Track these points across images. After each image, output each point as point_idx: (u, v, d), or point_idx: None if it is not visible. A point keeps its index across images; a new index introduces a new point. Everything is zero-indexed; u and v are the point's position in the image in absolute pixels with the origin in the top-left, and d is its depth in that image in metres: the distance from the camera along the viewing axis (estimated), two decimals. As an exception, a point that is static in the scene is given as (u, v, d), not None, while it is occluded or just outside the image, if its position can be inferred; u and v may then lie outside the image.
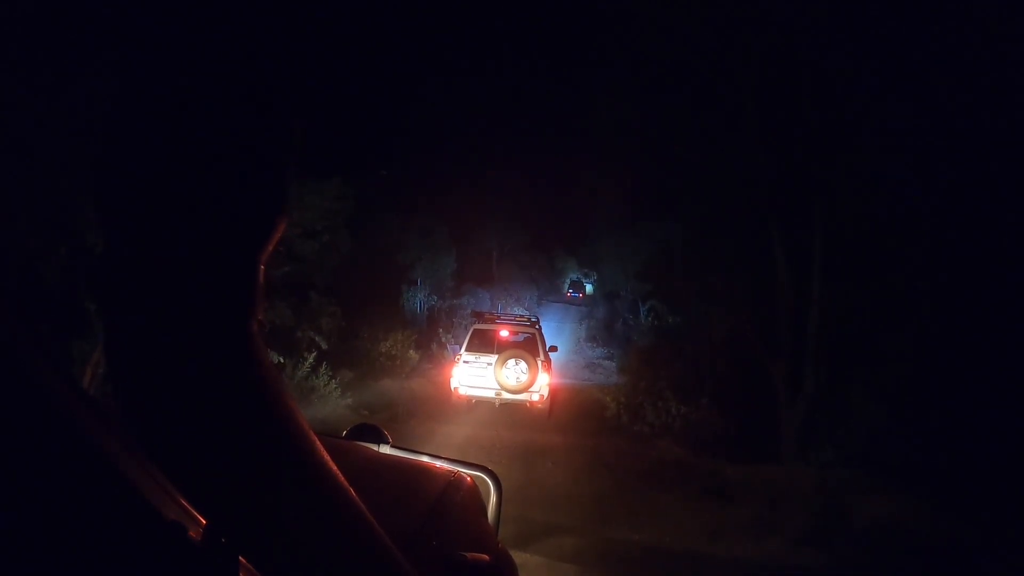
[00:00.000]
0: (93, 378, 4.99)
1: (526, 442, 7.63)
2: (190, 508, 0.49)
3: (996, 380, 6.28)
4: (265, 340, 0.47)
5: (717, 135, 8.65)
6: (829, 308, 7.79)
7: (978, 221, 6.81)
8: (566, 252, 27.40)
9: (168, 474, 0.46)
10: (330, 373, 8.63)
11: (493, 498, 1.28)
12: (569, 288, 29.60)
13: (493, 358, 8.55)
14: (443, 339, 14.00)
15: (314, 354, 8.52)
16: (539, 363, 8.50)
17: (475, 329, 9.37)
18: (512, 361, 8.45)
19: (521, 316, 12.91)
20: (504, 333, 9.24)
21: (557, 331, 17.42)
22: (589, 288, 28.52)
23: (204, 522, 0.48)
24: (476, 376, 8.65)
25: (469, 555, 0.82)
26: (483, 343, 9.01)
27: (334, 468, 0.50)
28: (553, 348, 9.88)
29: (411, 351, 12.01)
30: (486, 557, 0.83)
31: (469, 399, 8.79)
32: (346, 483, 0.51)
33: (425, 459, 1.31)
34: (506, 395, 8.45)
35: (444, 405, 9.08)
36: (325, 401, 8.36)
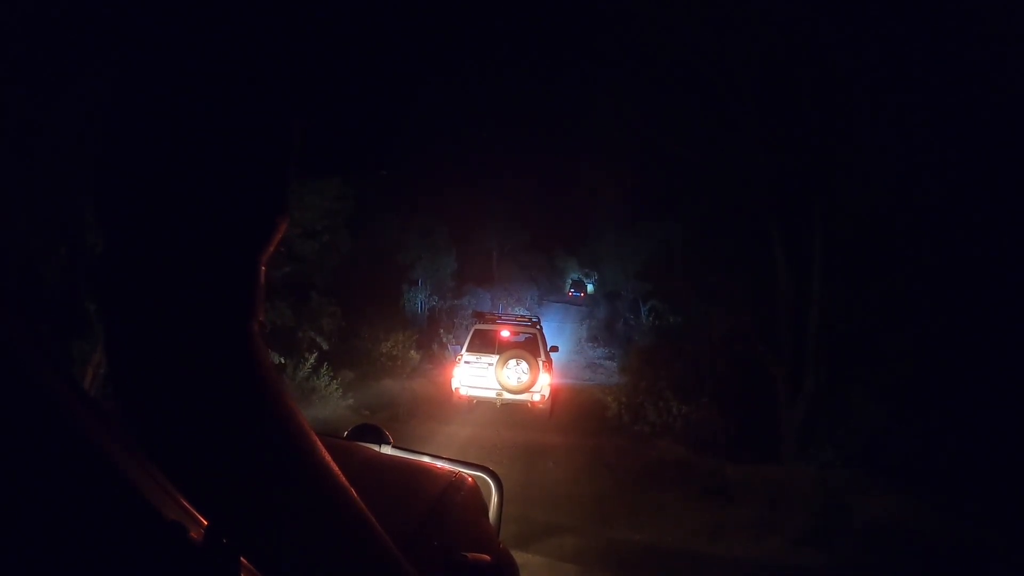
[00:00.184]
0: (94, 379, 4.99)
1: (527, 442, 7.64)
2: (191, 508, 0.49)
3: (996, 380, 6.27)
4: (265, 340, 0.47)
5: (717, 135, 8.64)
6: (829, 308, 7.78)
7: (978, 221, 6.80)
8: (566, 252, 27.41)
9: (168, 474, 0.46)
10: (331, 374, 8.62)
11: (494, 498, 1.27)
12: (571, 287, 29.69)
13: (494, 358, 8.55)
14: (444, 339, 14.00)
15: (315, 354, 8.51)
16: (540, 363, 8.49)
17: (476, 329, 9.37)
18: (513, 361, 8.45)
19: (522, 316, 12.91)
20: (505, 333, 9.24)
21: (558, 331, 17.42)
22: (590, 288, 28.58)
23: (205, 522, 0.48)
24: (477, 376, 8.64)
25: (470, 555, 0.82)
26: (484, 343, 9.00)
27: (335, 468, 0.50)
28: (554, 348, 9.87)
29: (412, 351, 12.01)
30: (487, 557, 0.83)
31: (470, 399, 8.79)
32: (347, 483, 0.51)
33: (426, 459, 1.30)
34: (507, 395, 8.44)
35: (445, 405, 9.08)
36: (326, 402, 8.36)
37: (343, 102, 0.53)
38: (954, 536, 5.03)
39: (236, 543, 0.47)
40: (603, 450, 7.60)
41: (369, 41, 0.52)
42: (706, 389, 9.20)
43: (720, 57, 8.04)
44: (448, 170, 17.47)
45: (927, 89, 6.75)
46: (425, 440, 7.08)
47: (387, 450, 1.29)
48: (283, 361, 8.00)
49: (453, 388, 8.80)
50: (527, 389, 8.41)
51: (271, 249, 0.46)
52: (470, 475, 1.23)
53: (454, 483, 1.14)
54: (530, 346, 8.92)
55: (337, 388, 8.63)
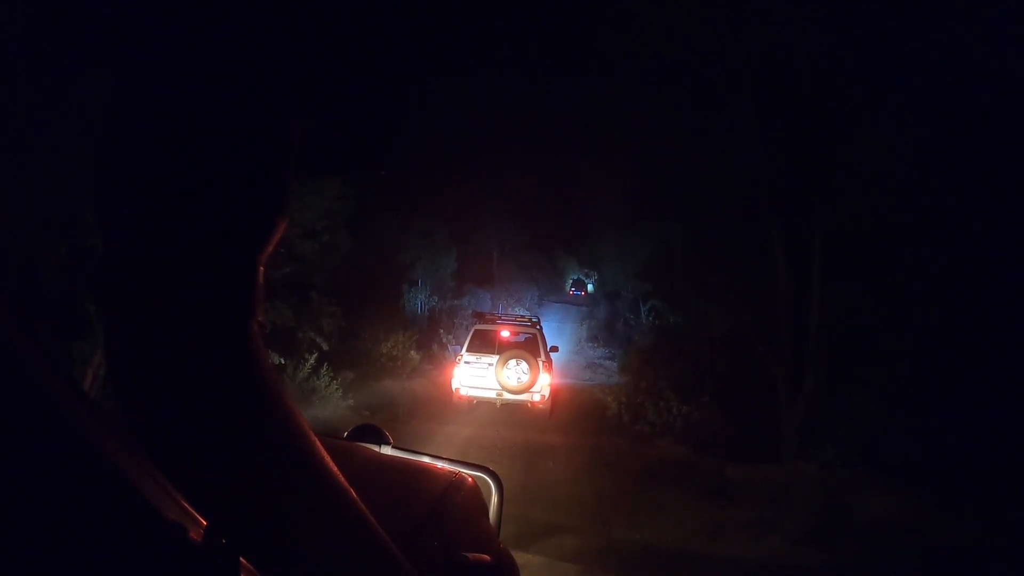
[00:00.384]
0: (94, 379, 5.00)
1: (527, 442, 7.64)
2: (190, 509, 0.49)
3: (996, 380, 6.28)
4: (265, 341, 0.47)
5: (717, 135, 8.64)
6: (829, 308, 7.79)
7: (978, 221, 6.81)
8: (566, 252, 27.43)
9: (168, 474, 0.46)
10: (331, 374, 8.62)
11: (494, 498, 1.27)
12: (572, 287, 29.75)
13: (494, 358, 8.55)
14: (444, 339, 14.00)
15: (315, 355, 8.51)
16: (540, 363, 8.50)
17: (476, 329, 9.37)
18: (513, 361, 8.45)
19: (522, 316, 12.91)
20: (505, 333, 9.24)
21: (558, 331, 17.42)
22: (590, 287, 28.65)
23: (204, 523, 0.48)
24: (477, 376, 8.65)
25: (470, 555, 0.82)
26: (484, 343, 9.00)
27: (334, 468, 0.50)
28: (554, 348, 9.87)
29: (412, 352, 12.01)
30: (487, 557, 0.83)
31: (470, 400, 8.79)
32: (347, 484, 0.51)
33: (426, 459, 1.30)
34: (507, 395, 8.44)
35: (445, 406, 9.08)
36: (326, 402, 8.36)
37: (343, 102, 0.53)
38: (954, 536, 5.04)
39: (236, 543, 0.47)
40: (603, 450, 7.61)
41: (370, 41, 0.52)
42: (706, 389, 9.21)
43: (720, 57, 8.04)
44: (448, 170, 17.51)
45: (927, 89, 6.76)
46: (425, 440, 7.08)
47: (387, 450, 1.29)
48: (283, 361, 8.00)
49: (453, 388, 8.81)
50: (527, 389, 8.41)
51: (271, 249, 0.46)
52: (470, 475, 1.23)
53: (454, 483, 1.14)
54: (530, 346, 8.92)
55: (337, 388, 8.63)
